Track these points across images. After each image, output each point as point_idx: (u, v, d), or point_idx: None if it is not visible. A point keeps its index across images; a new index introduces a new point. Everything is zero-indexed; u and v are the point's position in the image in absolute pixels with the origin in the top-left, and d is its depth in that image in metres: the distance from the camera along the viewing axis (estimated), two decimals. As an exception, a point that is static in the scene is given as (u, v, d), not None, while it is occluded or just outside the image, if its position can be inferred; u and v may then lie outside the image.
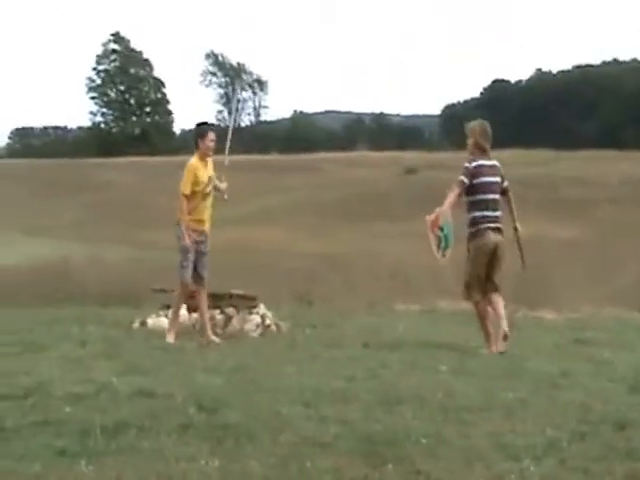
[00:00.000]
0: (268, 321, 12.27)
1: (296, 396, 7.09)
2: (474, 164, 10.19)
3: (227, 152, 11.38)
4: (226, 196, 11.14)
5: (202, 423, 6.10)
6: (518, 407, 6.90)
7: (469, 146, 10.36)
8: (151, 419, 6.15)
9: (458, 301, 16.46)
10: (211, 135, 10.79)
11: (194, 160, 10.82)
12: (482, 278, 10.21)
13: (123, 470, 4.96)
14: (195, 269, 10.94)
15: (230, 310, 12.12)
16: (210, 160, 10.99)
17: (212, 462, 5.15)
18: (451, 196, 10.18)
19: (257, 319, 12.19)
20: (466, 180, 10.14)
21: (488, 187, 10.22)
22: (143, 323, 12.39)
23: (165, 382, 7.61)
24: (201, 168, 10.79)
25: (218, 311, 12.01)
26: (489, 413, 6.67)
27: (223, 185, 11.21)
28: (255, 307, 12.39)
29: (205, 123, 11.45)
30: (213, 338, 10.92)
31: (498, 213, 10.30)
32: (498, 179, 10.33)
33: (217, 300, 12.01)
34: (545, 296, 16.70)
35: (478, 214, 10.21)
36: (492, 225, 10.19)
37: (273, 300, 13.96)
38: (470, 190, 10.18)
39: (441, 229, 10.23)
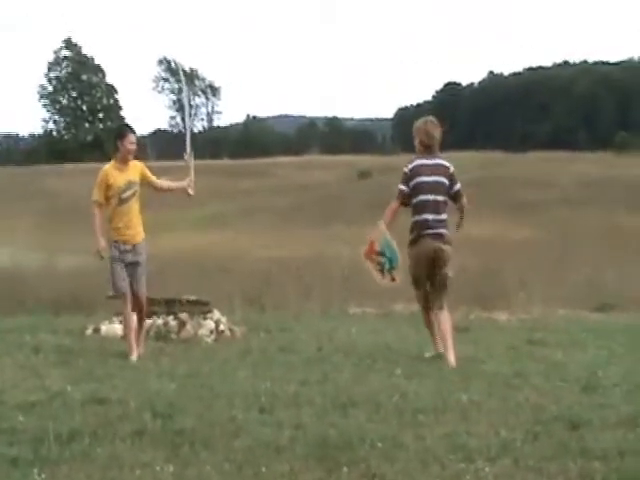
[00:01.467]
0: (222, 326, 12.22)
1: (251, 401, 7.10)
2: (411, 166, 9.52)
3: (188, 148, 10.83)
4: (191, 191, 10.58)
5: (157, 429, 6.09)
6: (472, 408, 6.95)
7: (416, 146, 9.70)
8: (105, 426, 6.13)
9: (413, 304, 16.55)
10: (131, 137, 10.07)
11: (108, 165, 10.13)
12: (425, 287, 9.64)
13: (76, 478, 4.93)
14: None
15: (184, 315, 12.07)
16: (134, 164, 10.17)
17: (167, 468, 5.15)
18: (389, 210, 9.64)
19: (211, 324, 12.14)
20: (404, 187, 9.50)
21: (427, 187, 9.42)
22: (96, 330, 12.30)
23: (119, 389, 7.59)
24: (115, 173, 10.02)
25: (172, 317, 11.97)
26: (444, 415, 6.71)
27: (185, 182, 10.60)
28: (209, 312, 12.36)
29: (126, 125, 11.08)
30: (132, 357, 9.83)
31: (441, 217, 9.47)
32: (442, 179, 9.48)
33: (170, 306, 11.97)
34: (498, 297, 16.77)
35: (417, 218, 9.49)
36: (431, 231, 9.40)
37: (227, 305, 13.94)
38: (411, 193, 9.47)
39: (381, 253, 9.60)
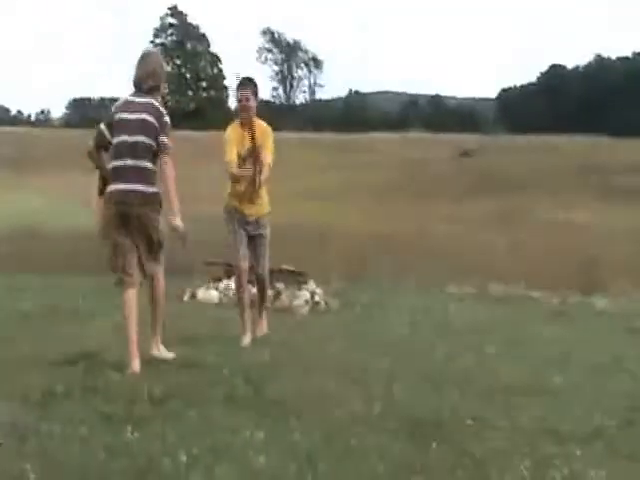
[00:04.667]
0: (317, 297, 12.28)
1: (343, 373, 7.11)
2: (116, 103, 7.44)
3: None
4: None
5: (249, 395, 6.13)
6: (566, 392, 6.87)
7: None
8: (198, 389, 6.20)
9: (510, 284, 16.43)
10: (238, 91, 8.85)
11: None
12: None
13: (168, 437, 4.99)
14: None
15: (279, 285, 12.15)
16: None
17: (257, 434, 5.17)
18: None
19: (306, 295, 12.21)
20: (102, 126, 7.35)
21: (123, 126, 7.18)
22: (193, 295, 12.47)
23: (213, 354, 7.67)
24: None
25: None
26: (537, 397, 6.65)
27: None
28: (305, 283, 12.42)
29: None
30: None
31: (136, 163, 7.12)
32: (144, 116, 7.13)
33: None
34: (598, 282, 16.55)
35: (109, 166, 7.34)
36: (120, 185, 7.14)
37: (324, 277, 13.97)
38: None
39: None
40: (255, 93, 8.85)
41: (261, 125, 8.87)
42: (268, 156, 8.69)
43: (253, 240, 8.92)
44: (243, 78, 8.81)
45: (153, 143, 7.07)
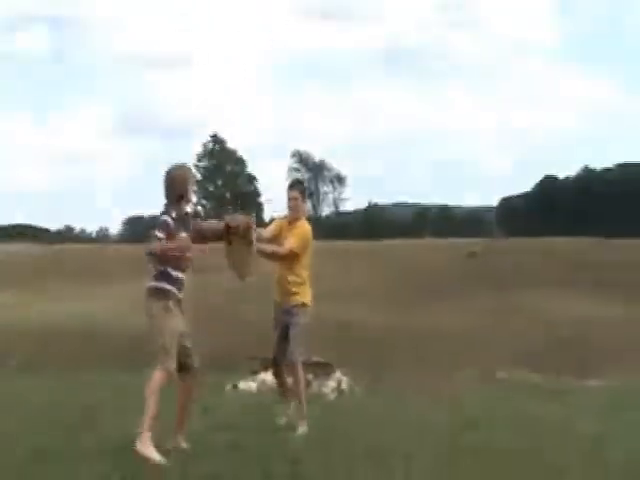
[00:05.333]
0: (343, 385, 12.28)
1: (367, 454, 7.07)
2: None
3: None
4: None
5: (285, 473, 6.13)
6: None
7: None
8: (240, 469, 6.20)
9: (518, 370, 16.33)
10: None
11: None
12: None
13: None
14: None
15: (309, 376, 12.15)
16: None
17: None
18: None
19: (333, 384, 12.21)
20: None
21: None
22: (235, 386, 12.48)
23: (252, 437, 7.65)
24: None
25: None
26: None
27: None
28: (332, 373, 12.44)
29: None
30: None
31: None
32: None
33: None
34: (591, 366, 16.46)
35: None
36: None
37: (348, 366, 13.96)
38: None
39: None
40: (302, 193, 8.74)
41: (301, 224, 8.59)
42: (291, 242, 8.39)
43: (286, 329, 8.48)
44: (293, 180, 8.62)
45: None
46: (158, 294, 7.11)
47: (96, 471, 6.19)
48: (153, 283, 7.15)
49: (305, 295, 8.58)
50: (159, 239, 7.02)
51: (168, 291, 7.12)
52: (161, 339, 7.04)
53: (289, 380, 8.73)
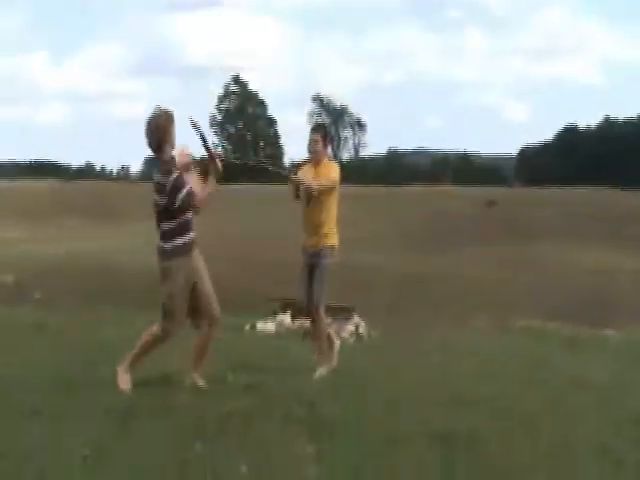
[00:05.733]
0: (361, 329, 12.34)
1: (381, 397, 7.10)
2: None
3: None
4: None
5: (302, 415, 6.17)
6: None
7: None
8: (258, 409, 6.24)
9: (529, 318, 16.34)
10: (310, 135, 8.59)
11: None
12: None
13: (232, 451, 5.05)
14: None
15: (328, 320, 12.20)
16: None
17: (308, 448, 5.22)
18: None
19: (352, 327, 12.28)
20: None
21: None
22: (253, 327, 12.54)
23: (271, 378, 7.69)
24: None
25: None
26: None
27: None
28: (351, 317, 12.50)
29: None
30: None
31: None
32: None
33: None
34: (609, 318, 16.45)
35: None
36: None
37: (367, 311, 14.01)
38: None
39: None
40: (324, 137, 8.65)
41: (327, 163, 8.61)
42: (322, 179, 8.34)
43: (313, 271, 8.47)
44: (315, 124, 8.53)
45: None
46: (181, 251, 7.01)
47: (112, 401, 6.28)
48: (177, 240, 7.02)
49: (334, 237, 8.53)
50: (194, 194, 6.97)
51: (190, 240, 7.06)
52: (170, 303, 7.03)
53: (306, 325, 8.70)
